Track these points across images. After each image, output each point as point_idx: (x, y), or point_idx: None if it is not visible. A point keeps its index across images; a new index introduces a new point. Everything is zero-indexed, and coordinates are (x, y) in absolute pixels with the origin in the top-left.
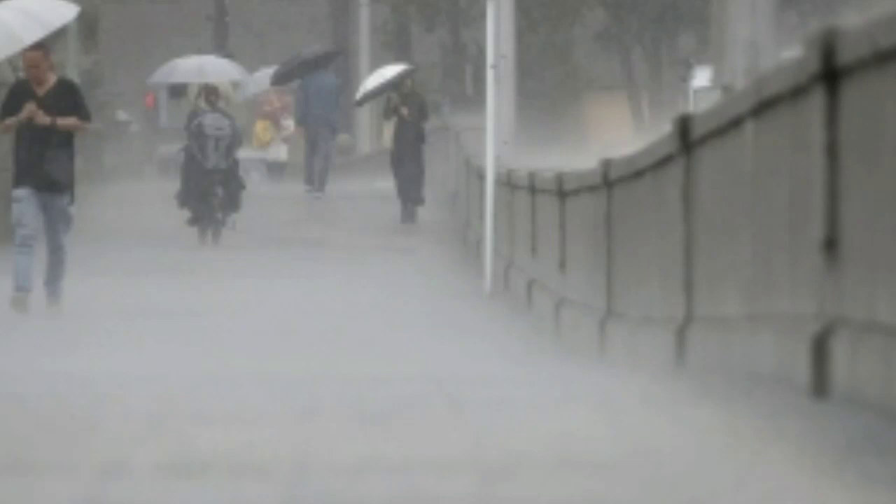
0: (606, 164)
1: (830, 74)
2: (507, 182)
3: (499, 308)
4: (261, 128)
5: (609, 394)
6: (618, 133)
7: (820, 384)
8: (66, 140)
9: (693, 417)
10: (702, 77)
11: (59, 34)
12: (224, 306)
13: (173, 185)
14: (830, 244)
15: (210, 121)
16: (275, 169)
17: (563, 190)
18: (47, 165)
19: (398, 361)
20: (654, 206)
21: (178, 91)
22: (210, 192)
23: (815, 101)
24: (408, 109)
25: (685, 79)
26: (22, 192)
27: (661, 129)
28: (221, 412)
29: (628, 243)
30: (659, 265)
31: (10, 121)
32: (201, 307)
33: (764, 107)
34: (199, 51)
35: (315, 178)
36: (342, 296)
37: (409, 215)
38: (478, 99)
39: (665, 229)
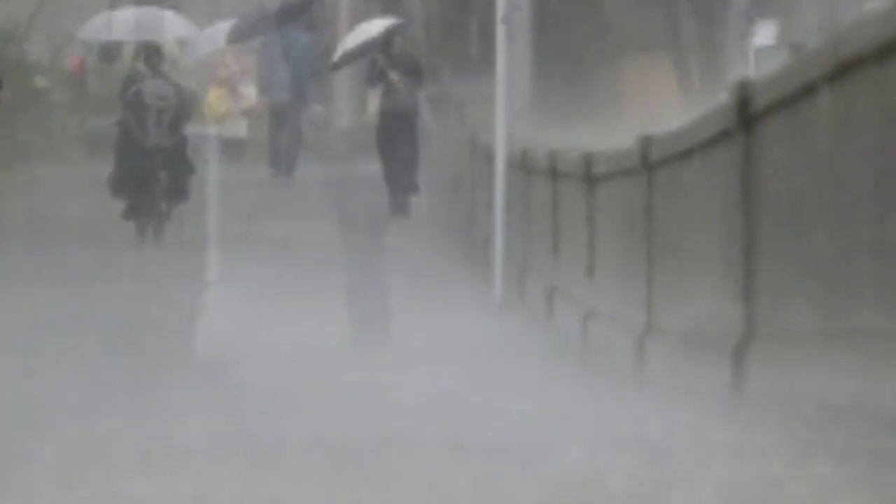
0: (646, 143)
1: None
2: (522, 165)
3: (511, 322)
4: (214, 97)
5: (649, 434)
6: (660, 104)
7: None
8: None
9: (760, 470)
10: (765, 34)
11: None
12: (163, 324)
13: (106, 167)
14: None
15: (151, 88)
16: (232, 148)
17: (591, 174)
18: None
19: (385, 391)
20: (706, 195)
21: (110, 51)
22: (151, 176)
23: None
24: (398, 74)
25: (744, 36)
26: None
27: (714, 99)
28: None
29: (673, 241)
30: (711, 268)
31: None
32: (137, 323)
33: (843, 71)
34: (137, 1)
35: (282, 160)
36: (315, 310)
37: (400, 207)
38: (485, 61)
39: (719, 224)
